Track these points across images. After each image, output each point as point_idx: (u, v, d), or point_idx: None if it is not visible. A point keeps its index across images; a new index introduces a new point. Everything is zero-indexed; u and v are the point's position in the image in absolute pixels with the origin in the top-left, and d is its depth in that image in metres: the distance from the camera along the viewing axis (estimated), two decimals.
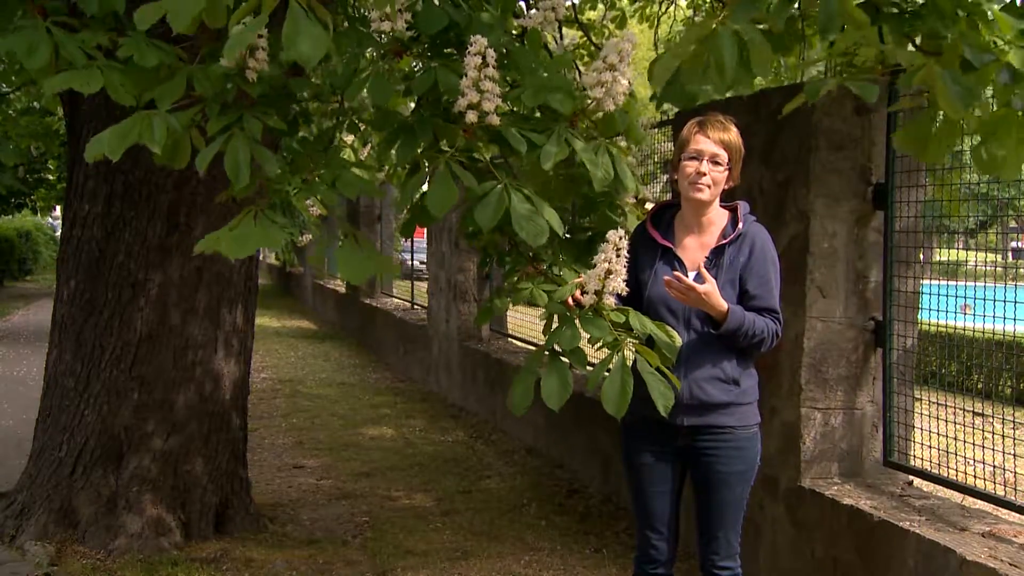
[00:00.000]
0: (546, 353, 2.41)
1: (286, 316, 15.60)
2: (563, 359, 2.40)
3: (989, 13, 2.28)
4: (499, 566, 4.32)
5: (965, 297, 3.53)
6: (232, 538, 4.58)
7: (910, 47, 2.25)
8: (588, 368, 2.45)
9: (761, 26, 2.11)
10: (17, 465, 4.84)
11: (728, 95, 4.13)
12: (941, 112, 2.20)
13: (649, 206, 3.09)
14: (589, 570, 4.30)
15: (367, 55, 2.84)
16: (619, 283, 2.38)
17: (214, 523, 4.61)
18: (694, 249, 2.88)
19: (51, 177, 14.53)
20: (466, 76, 2.43)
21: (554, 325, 2.49)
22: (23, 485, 4.57)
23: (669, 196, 3.36)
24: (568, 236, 2.96)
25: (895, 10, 2.33)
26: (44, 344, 4.79)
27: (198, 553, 4.34)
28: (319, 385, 9.18)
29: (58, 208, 22.01)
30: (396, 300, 11.88)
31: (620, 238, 2.39)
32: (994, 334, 3.50)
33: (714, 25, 2.06)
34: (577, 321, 2.41)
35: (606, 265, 2.38)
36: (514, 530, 4.83)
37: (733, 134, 2.83)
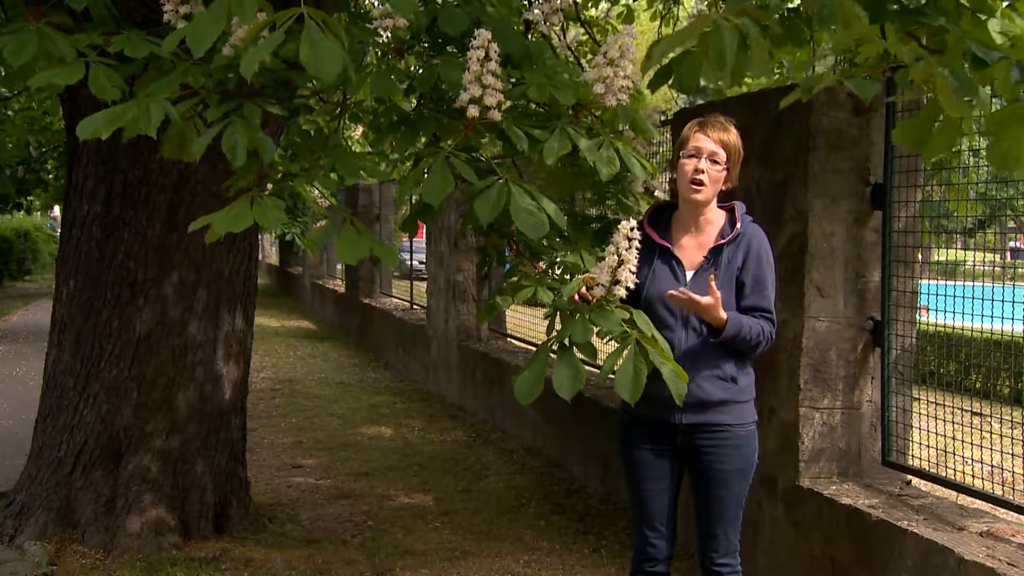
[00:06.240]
0: (554, 347, 2.41)
1: (285, 316, 15.60)
2: (573, 351, 2.40)
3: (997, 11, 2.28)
4: (498, 565, 4.33)
5: (962, 296, 3.54)
6: (231, 538, 4.59)
7: (913, 44, 2.24)
8: (598, 363, 2.46)
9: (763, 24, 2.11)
10: (17, 465, 4.84)
11: (728, 94, 4.13)
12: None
13: (658, 194, 3.10)
14: (588, 569, 4.30)
15: (371, 53, 2.85)
16: (628, 274, 2.39)
17: (213, 523, 4.62)
18: (692, 249, 2.89)
19: (49, 177, 14.48)
20: (468, 70, 2.41)
21: (557, 322, 2.49)
22: (23, 485, 4.58)
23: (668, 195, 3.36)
24: (582, 226, 2.95)
25: (897, 7, 2.32)
26: (44, 344, 4.79)
27: (197, 553, 4.35)
28: (318, 385, 9.18)
29: (56, 208, 21.99)
30: (395, 300, 11.88)
31: (632, 229, 2.37)
32: (992, 334, 3.50)
33: (714, 19, 2.06)
34: (588, 315, 2.41)
35: (617, 256, 2.38)
36: (513, 529, 4.84)
37: (733, 135, 2.85)
